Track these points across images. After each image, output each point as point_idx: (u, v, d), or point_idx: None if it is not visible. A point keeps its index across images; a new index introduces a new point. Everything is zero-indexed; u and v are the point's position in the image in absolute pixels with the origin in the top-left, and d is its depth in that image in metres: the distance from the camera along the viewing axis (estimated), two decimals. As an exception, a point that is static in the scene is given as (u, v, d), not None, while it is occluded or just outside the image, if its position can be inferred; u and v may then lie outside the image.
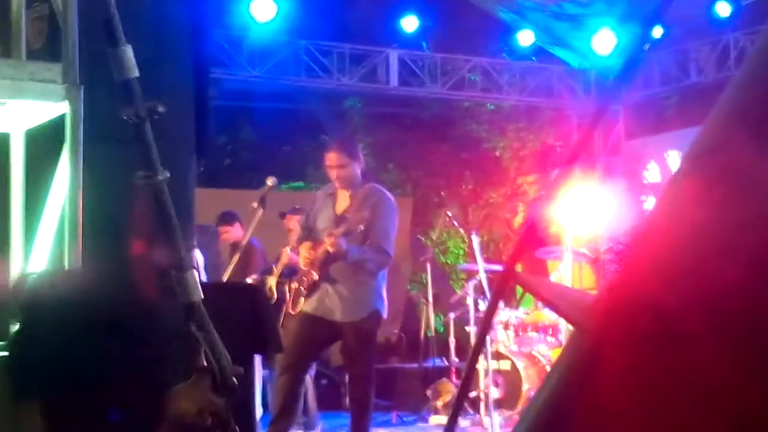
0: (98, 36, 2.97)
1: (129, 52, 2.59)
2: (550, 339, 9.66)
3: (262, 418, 8.95)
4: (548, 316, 9.68)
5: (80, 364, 2.01)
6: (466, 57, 14.51)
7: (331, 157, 6.85)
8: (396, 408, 10.24)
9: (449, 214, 10.62)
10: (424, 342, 10.82)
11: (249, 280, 8.84)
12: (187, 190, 4.41)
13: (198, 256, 7.89)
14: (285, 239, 9.15)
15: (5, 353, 2.20)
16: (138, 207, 3.86)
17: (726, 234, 0.61)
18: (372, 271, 6.70)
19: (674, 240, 0.64)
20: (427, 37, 14.76)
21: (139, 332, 2.05)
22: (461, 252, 15.73)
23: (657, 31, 12.04)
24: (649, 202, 13.91)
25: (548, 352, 9.48)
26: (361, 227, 6.61)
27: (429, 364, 10.81)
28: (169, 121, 2.89)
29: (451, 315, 10.26)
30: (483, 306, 9.31)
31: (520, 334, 9.68)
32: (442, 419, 9.43)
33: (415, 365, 10.98)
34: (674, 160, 13.67)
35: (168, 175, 2.65)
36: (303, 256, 6.96)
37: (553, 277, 10.07)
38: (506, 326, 9.59)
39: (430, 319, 10.66)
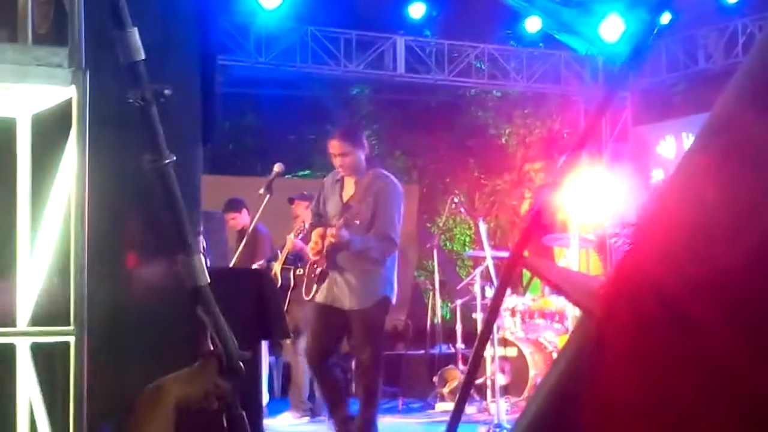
0: (104, 20, 2.97)
1: (135, 34, 2.59)
2: (556, 325, 9.66)
3: (268, 403, 8.97)
4: (555, 302, 9.68)
5: None
6: (473, 44, 14.47)
7: (334, 145, 6.85)
8: (402, 394, 10.24)
9: (456, 200, 10.60)
10: (431, 329, 10.82)
11: (255, 266, 8.85)
12: (194, 176, 4.41)
13: (201, 241, 7.90)
14: (291, 225, 9.16)
15: None
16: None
17: (734, 217, 0.60)
18: (377, 259, 6.70)
19: (681, 223, 0.63)
20: (434, 23, 14.73)
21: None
22: (467, 239, 15.74)
23: (665, 18, 12.00)
24: (657, 177, 13.91)
25: (555, 339, 9.48)
26: (357, 222, 6.64)
27: (435, 350, 10.82)
28: (176, 107, 2.89)
29: (458, 302, 10.26)
30: (490, 293, 9.31)
31: (527, 320, 9.67)
32: (449, 406, 9.44)
33: (422, 352, 10.99)
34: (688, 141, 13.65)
35: (174, 158, 2.64)
36: (311, 244, 6.97)
37: (560, 264, 10.06)
38: (513, 313, 9.59)
39: (436, 306, 10.67)
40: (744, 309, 0.58)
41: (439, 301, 10.67)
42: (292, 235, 8.95)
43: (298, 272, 9.08)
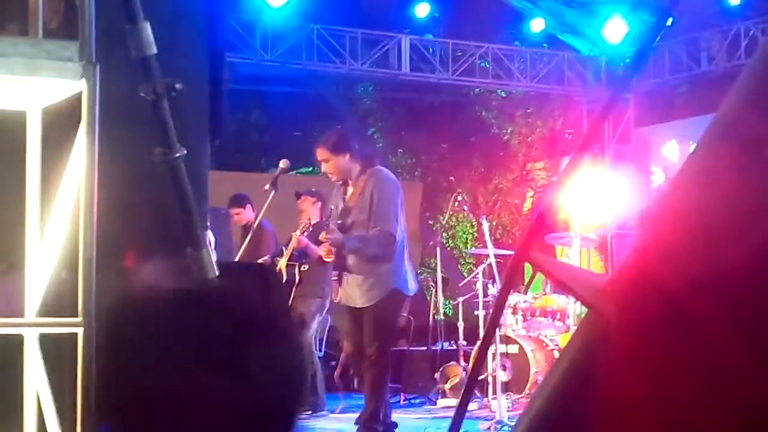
0: (115, 15, 3.01)
1: (147, 28, 2.63)
2: (558, 323, 9.70)
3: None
4: (556, 300, 9.72)
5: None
6: (477, 43, 14.50)
7: (317, 153, 6.97)
8: (404, 390, 10.29)
9: (459, 198, 10.65)
10: (433, 325, 10.86)
11: (260, 262, 8.89)
12: (202, 171, 4.44)
13: (209, 236, 7.94)
14: (296, 221, 9.20)
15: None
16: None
17: (736, 218, 0.63)
18: (379, 255, 6.74)
19: (684, 224, 0.66)
20: (438, 23, 14.76)
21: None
22: (470, 236, 15.77)
23: (668, 20, 12.03)
24: (656, 176, 13.94)
25: (556, 337, 9.52)
26: (351, 221, 6.78)
27: (437, 347, 10.86)
28: (185, 103, 2.92)
29: (460, 299, 10.30)
30: (492, 290, 9.35)
31: (529, 318, 9.71)
32: (450, 402, 9.49)
33: (424, 348, 11.03)
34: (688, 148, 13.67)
35: (185, 152, 2.69)
36: (323, 247, 7.14)
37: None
38: (515, 310, 9.63)
39: (438, 303, 10.71)
40: (745, 309, 0.60)
41: (441, 298, 10.70)
42: (297, 232, 9.00)
43: (303, 268, 9.13)
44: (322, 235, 6.91)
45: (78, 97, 3.52)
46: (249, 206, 9.77)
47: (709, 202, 0.64)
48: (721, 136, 0.69)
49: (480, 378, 8.67)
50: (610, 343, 0.66)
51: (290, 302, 7.51)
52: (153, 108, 2.63)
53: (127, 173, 4.01)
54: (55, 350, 3.91)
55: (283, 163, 8.08)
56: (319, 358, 9.47)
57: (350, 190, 6.93)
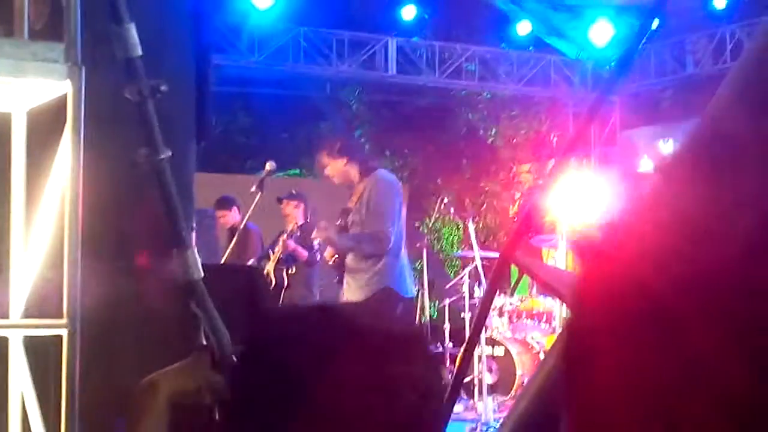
0: (101, 17, 3.01)
1: (132, 30, 2.63)
2: (544, 326, 9.71)
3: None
4: (542, 302, 9.73)
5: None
6: (464, 46, 14.53)
7: (317, 158, 7.14)
8: (390, 393, 10.27)
9: (445, 201, 10.67)
10: (419, 328, 10.87)
11: (246, 265, 8.89)
12: (187, 173, 4.44)
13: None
14: (282, 223, 9.20)
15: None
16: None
17: (717, 218, 0.63)
18: (371, 253, 6.79)
19: (665, 223, 0.66)
20: (425, 25, 14.78)
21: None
22: (456, 239, 15.77)
23: (654, 23, 12.06)
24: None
25: (542, 339, 9.53)
26: (350, 221, 6.85)
27: (423, 350, 10.84)
28: (171, 105, 2.93)
29: (446, 301, 10.31)
30: (478, 292, 9.36)
31: (515, 320, 9.72)
32: (436, 405, 9.47)
33: (410, 351, 11.01)
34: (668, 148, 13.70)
35: (170, 153, 2.69)
36: (328, 251, 7.20)
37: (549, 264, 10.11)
38: (500, 312, 9.64)
39: (425, 305, 10.71)
40: (729, 308, 0.61)
41: (427, 300, 10.70)
42: (285, 236, 9.01)
43: (291, 272, 9.14)
44: (314, 233, 7.04)
45: (63, 99, 3.52)
46: (235, 208, 9.77)
47: (690, 203, 0.64)
48: (702, 137, 0.70)
49: (466, 380, 8.68)
50: (590, 341, 0.66)
51: (279, 305, 7.49)
52: (138, 110, 2.63)
53: (113, 175, 4.01)
54: (40, 351, 3.90)
55: (269, 165, 8.09)
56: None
57: (354, 194, 7.05)
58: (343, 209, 7.05)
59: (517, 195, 15.74)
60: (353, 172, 6.94)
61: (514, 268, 7.61)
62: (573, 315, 0.73)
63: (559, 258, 9.96)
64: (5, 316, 3.84)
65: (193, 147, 4.62)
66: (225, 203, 9.87)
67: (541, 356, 9.12)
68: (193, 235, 7.46)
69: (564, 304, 8.85)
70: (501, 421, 7.40)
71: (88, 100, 3.49)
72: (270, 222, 9.53)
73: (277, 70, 13.68)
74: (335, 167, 6.97)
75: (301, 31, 13.39)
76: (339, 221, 6.96)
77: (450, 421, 1.96)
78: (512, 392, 9.02)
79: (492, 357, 9.15)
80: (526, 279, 9.97)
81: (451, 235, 15.85)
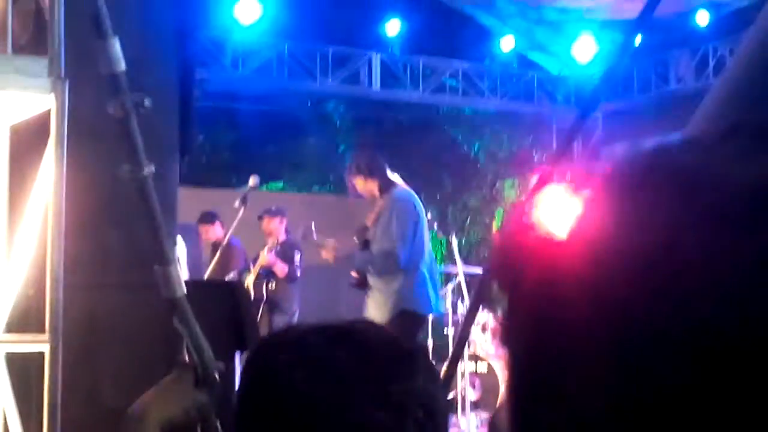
0: (84, 32, 3.00)
1: (116, 45, 2.62)
2: (527, 342, 9.71)
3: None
4: (526, 319, 9.73)
5: None
6: (447, 61, 14.57)
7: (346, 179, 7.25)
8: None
9: (428, 216, 10.65)
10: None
11: (228, 279, 8.88)
12: (171, 188, 4.43)
13: (182, 252, 7.91)
14: (264, 238, 9.20)
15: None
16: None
17: (651, 238, 0.64)
18: (383, 273, 6.84)
19: (613, 237, 0.67)
20: (409, 40, 14.80)
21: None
22: (438, 255, 15.77)
23: (636, 39, 12.11)
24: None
25: (525, 356, 9.53)
26: (366, 239, 6.95)
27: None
28: (154, 119, 2.92)
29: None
30: (461, 308, 9.36)
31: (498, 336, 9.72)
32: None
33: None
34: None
35: (153, 169, 2.67)
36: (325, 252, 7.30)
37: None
38: (483, 328, 9.64)
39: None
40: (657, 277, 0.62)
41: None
42: (265, 251, 9.01)
43: (270, 286, 9.13)
44: (326, 254, 7.14)
45: (47, 113, 3.51)
46: (218, 223, 9.76)
47: (630, 220, 0.66)
48: (650, 154, 0.71)
49: (449, 396, 8.67)
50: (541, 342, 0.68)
51: (258, 319, 7.48)
52: (121, 125, 2.62)
53: (95, 190, 4.00)
54: (22, 368, 3.88)
55: (252, 180, 8.09)
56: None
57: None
58: (361, 226, 7.13)
59: (500, 210, 15.76)
60: (375, 188, 7.02)
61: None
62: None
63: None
64: (-14, 331, 3.82)
65: (176, 161, 4.62)
66: (207, 218, 9.86)
67: (525, 372, 9.12)
68: (185, 249, 7.46)
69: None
70: (484, 437, 7.40)
71: (71, 114, 3.49)
72: (254, 236, 9.52)
73: (260, 85, 13.68)
74: (359, 185, 7.09)
75: (285, 47, 13.40)
76: (356, 238, 7.01)
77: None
78: (495, 408, 9.02)
79: (475, 373, 9.15)
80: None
81: (434, 250, 15.84)
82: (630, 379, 0.60)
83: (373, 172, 7.07)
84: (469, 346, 8.81)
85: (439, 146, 16.06)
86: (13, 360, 3.84)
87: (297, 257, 9.40)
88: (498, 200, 15.87)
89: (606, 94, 13.21)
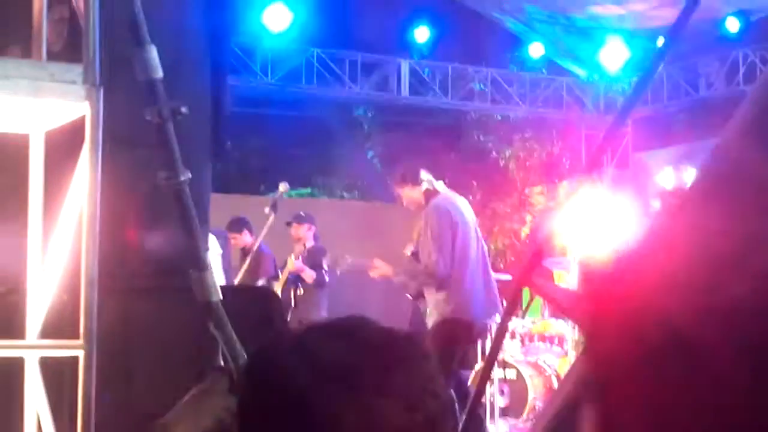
0: (119, 39, 3.02)
1: (154, 52, 2.63)
2: (556, 349, 9.68)
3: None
4: (555, 325, 9.70)
5: None
6: (476, 68, 14.56)
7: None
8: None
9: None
10: (431, 350, 10.82)
11: (258, 285, 8.91)
12: (203, 194, 4.45)
13: (216, 256, 7.92)
14: (293, 244, 9.22)
15: None
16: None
17: (738, 245, 0.63)
18: (424, 285, 6.84)
19: (685, 252, 0.66)
20: (438, 47, 14.82)
21: None
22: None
23: (659, 41, 12.07)
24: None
25: (554, 362, 9.50)
26: (408, 253, 6.98)
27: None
28: (188, 126, 2.93)
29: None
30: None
31: (527, 343, 9.70)
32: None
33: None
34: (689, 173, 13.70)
35: (189, 175, 2.69)
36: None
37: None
38: (513, 335, 9.62)
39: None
40: (752, 336, 0.61)
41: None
42: (292, 257, 9.03)
43: (298, 293, 9.15)
44: (373, 273, 7.16)
45: (81, 120, 3.53)
46: (246, 230, 9.78)
47: (710, 230, 0.64)
48: (720, 162, 0.69)
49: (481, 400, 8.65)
50: (610, 371, 0.66)
51: (287, 325, 7.48)
52: (158, 132, 2.63)
53: (130, 197, 4.02)
54: (56, 372, 3.90)
55: (282, 186, 8.11)
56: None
57: None
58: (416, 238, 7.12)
59: (529, 217, 15.72)
60: (418, 198, 6.99)
61: (525, 290, 7.60)
62: (590, 342, 0.73)
63: (570, 281, 9.93)
64: (22, 336, 3.85)
65: (208, 168, 4.64)
66: (236, 225, 9.89)
67: (553, 379, 9.09)
68: (220, 251, 7.45)
69: (576, 328, 8.82)
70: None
71: (105, 120, 3.50)
72: (283, 242, 9.54)
73: (290, 91, 13.73)
74: (404, 195, 7.05)
75: (315, 53, 13.44)
76: (411, 248, 7.01)
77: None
78: (524, 415, 8.99)
79: (504, 380, 9.12)
80: (537, 301, 9.94)
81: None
82: None
83: (417, 180, 7.01)
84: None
85: (467, 153, 16.05)
86: (47, 365, 3.86)
87: (325, 263, 9.42)
88: (526, 207, 15.83)
89: (638, 101, 13.17)
